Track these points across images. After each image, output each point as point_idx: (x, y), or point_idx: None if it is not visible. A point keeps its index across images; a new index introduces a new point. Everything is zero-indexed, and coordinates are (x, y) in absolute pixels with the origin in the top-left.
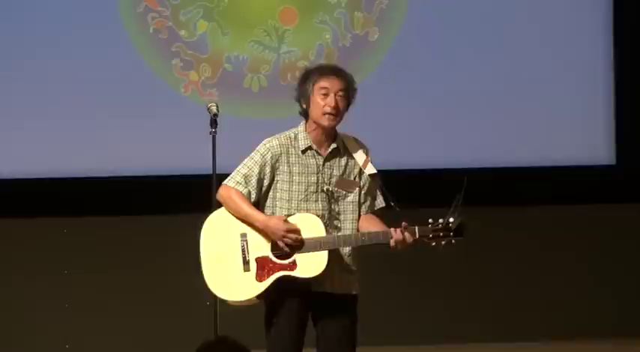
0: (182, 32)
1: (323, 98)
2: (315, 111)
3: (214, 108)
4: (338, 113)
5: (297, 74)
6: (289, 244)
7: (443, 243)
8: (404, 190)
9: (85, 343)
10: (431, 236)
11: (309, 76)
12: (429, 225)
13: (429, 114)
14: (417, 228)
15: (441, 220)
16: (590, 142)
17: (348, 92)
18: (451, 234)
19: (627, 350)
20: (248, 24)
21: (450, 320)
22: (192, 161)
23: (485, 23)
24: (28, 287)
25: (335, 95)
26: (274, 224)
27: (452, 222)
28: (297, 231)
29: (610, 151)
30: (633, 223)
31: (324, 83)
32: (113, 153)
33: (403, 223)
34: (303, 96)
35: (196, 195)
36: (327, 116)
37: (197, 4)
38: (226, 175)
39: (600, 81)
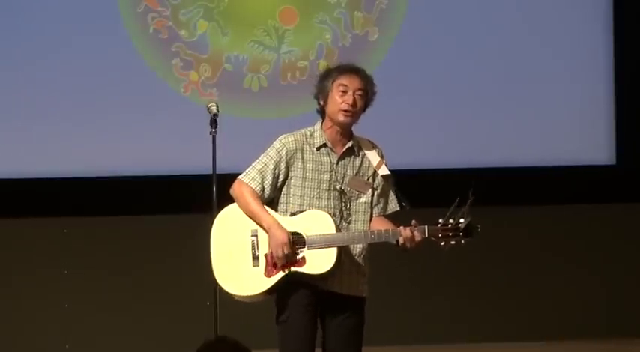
0: (182, 32)
1: (341, 95)
2: (332, 108)
3: (214, 108)
4: (355, 111)
5: (298, 74)
6: (275, 258)
7: (452, 243)
8: (403, 190)
9: (85, 343)
10: (440, 235)
11: (329, 73)
12: (439, 225)
13: (428, 114)
14: (426, 227)
15: (451, 221)
16: (590, 142)
17: (367, 92)
18: (460, 234)
19: (628, 349)
20: (248, 24)
21: (450, 320)
22: (192, 161)
23: (485, 23)
24: (28, 287)
25: (354, 93)
26: (279, 233)
27: (462, 223)
28: (289, 253)
29: (610, 151)
30: (633, 223)
31: (343, 80)
32: (113, 153)
33: (413, 222)
34: (321, 93)
35: (196, 195)
36: (343, 112)
37: (197, 4)
38: (226, 175)
39: (600, 81)
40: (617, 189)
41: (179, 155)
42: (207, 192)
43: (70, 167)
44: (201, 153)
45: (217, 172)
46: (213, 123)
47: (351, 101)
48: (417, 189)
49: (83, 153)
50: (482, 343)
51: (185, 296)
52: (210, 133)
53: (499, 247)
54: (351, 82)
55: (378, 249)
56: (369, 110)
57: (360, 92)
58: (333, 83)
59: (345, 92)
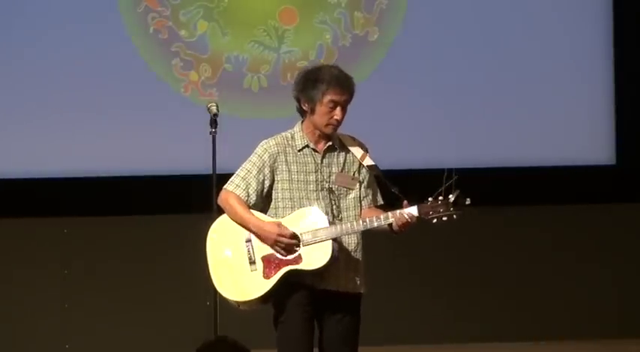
0: (182, 32)
1: (330, 111)
2: (319, 121)
3: (214, 108)
4: (341, 123)
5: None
6: (283, 248)
7: (444, 219)
8: (403, 190)
9: (85, 343)
10: (431, 212)
11: (318, 84)
12: (428, 203)
13: (428, 114)
14: (416, 206)
15: (440, 197)
16: (590, 142)
17: (349, 101)
18: (451, 208)
19: (628, 349)
20: (248, 24)
21: (450, 320)
22: (192, 161)
23: (485, 23)
24: (28, 287)
25: (342, 107)
26: (269, 228)
27: (450, 198)
28: (289, 235)
29: (610, 151)
30: (633, 223)
31: (334, 97)
32: (113, 153)
33: (404, 202)
34: (307, 101)
35: (196, 195)
36: (332, 127)
37: (197, 4)
38: (226, 175)
39: (600, 81)
40: (617, 189)
41: (179, 155)
42: (207, 192)
43: (70, 167)
44: (201, 153)
45: (217, 172)
46: (213, 123)
47: (340, 117)
48: (416, 189)
49: (83, 153)
50: (482, 343)
51: (185, 297)
52: (210, 133)
53: (499, 247)
54: (340, 98)
55: (377, 249)
56: (369, 110)
57: (346, 102)
58: (323, 96)
59: (334, 108)
